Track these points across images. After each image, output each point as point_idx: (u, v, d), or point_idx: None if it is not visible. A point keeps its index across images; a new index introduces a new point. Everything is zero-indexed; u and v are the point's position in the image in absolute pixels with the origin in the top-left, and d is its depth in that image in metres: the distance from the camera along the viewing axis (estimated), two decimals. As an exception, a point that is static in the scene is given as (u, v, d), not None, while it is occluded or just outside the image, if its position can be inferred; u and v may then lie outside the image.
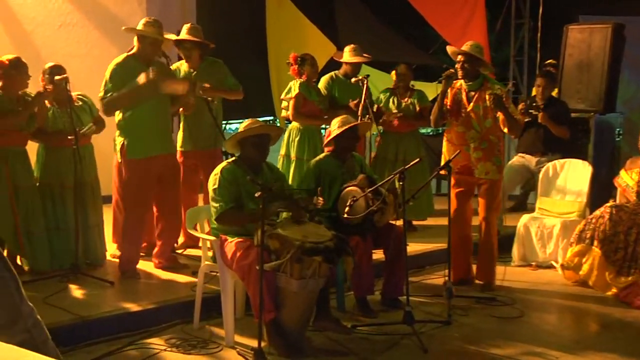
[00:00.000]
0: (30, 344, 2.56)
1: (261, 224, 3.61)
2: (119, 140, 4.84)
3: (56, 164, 4.94)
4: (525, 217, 6.02)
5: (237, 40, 9.11)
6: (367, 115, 5.89)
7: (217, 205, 3.99)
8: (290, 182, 5.80)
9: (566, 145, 6.53)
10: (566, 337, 4.29)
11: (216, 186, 4.01)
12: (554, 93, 7.09)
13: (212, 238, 4.12)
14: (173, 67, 5.52)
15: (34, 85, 4.92)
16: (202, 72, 5.48)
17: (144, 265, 5.09)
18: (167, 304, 4.34)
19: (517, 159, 6.80)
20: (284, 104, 6.31)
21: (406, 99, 6.45)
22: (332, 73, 6.52)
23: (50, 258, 4.88)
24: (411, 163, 4.34)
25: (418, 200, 4.85)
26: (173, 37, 5.45)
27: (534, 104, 6.60)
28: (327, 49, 8.02)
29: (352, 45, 6.47)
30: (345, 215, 4.27)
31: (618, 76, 7.14)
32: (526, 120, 6.27)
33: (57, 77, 4.77)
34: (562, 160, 6.23)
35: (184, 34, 5.48)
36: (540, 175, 6.25)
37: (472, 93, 5.04)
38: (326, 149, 4.84)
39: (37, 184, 4.92)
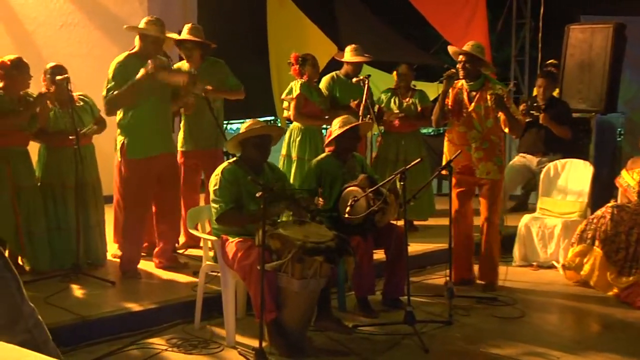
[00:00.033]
0: (31, 344, 2.56)
1: (262, 224, 3.61)
2: (119, 140, 4.84)
3: (57, 164, 4.94)
4: (526, 217, 6.02)
5: (238, 40, 9.11)
6: (368, 116, 5.89)
7: (217, 205, 3.99)
8: (291, 182, 5.80)
9: (567, 146, 6.53)
10: (567, 338, 4.29)
11: (217, 187, 4.01)
12: (555, 93, 7.08)
13: (214, 238, 4.12)
14: (174, 67, 5.52)
15: (36, 86, 4.92)
16: (203, 72, 5.47)
17: (145, 265, 5.09)
18: (168, 304, 4.34)
19: (518, 159, 6.80)
20: (285, 104, 6.31)
21: (407, 99, 6.45)
22: (333, 73, 6.52)
23: (50, 258, 4.88)
24: (412, 163, 4.34)
25: (419, 201, 4.85)
26: (175, 36, 5.44)
27: (535, 104, 6.60)
28: (328, 49, 8.02)
29: (353, 45, 6.47)
30: (346, 215, 4.27)
31: (619, 76, 7.14)
32: (527, 120, 6.27)
33: (58, 77, 4.77)
34: (563, 160, 6.22)
35: (185, 34, 5.48)
36: (542, 176, 6.24)
37: (474, 93, 5.04)
38: (327, 149, 4.84)
39: (39, 184, 4.92)
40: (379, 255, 4.67)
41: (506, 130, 5.07)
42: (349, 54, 6.43)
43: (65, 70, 4.91)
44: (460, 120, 5.08)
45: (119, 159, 4.93)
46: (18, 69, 4.70)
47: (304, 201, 4.24)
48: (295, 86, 6.08)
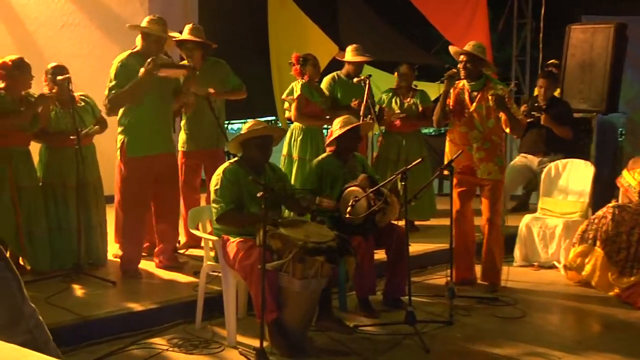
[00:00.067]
0: (31, 345, 2.55)
1: (263, 224, 3.61)
2: (119, 138, 4.85)
3: (58, 164, 4.94)
4: (527, 217, 6.01)
5: (238, 40, 9.11)
6: (369, 116, 5.89)
7: (217, 206, 3.99)
8: (292, 182, 5.80)
9: (568, 146, 6.52)
10: (568, 338, 4.28)
11: (218, 187, 4.02)
12: (557, 93, 7.08)
13: (215, 238, 4.13)
14: (183, 62, 5.50)
15: (37, 86, 4.92)
16: (204, 72, 5.47)
17: (146, 265, 5.10)
18: (169, 304, 4.35)
19: (520, 159, 6.80)
20: (286, 104, 6.31)
21: (408, 99, 6.45)
22: (335, 73, 6.52)
23: (50, 259, 4.88)
24: (413, 163, 4.34)
25: (420, 201, 4.85)
26: (177, 35, 5.45)
27: (536, 104, 6.60)
28: (329, 49, 8.02)
29: (354, 45, 6.47)
30: (347, 216, 4.27)
31: (620, 76, 7.13)
32: (528, 120, 6.26)
33: (59, 77, 4.77)
34: (564, 161, 6.22)
35: (185, 34, 5.48)
36: (543, 176, 6.24)
37: (475, 93, 5.03)
38: (328, 149, 4.84)
39: (40, 184, 4.92)
40: (380, 255, 4.67)
41: (507, 130, 5.07)
42: (350, 54, 6.43)
43: (66, 70, 4.91)
44: (462, 120, 5.08)
45: (119, 158, 4.93)
46: (20, 69, 4.70)
47: (305, 201, 4.24)
48: (296, 87, 6.08)
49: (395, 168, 5.53)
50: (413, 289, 4.26)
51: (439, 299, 4.75)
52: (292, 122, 6.32)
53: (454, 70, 5.04)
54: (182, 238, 5.61)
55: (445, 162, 4.97)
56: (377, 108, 6.25)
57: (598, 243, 5.16)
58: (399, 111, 6.39)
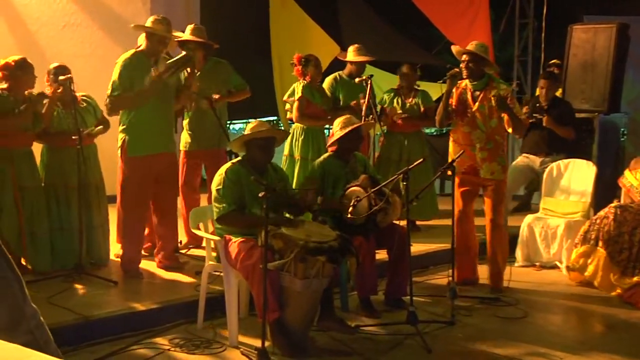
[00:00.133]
0: (33, 346, 2.55)
1: (265, 224, 3.61)
2: (120, 137, 4.85)
3: (60, 164, 4.94)
4: (529, 218, 6.01)
5: (240, 41, 9.11)
6: (371, 116, 5.89)
7: (219, 206, 3.99)
8: (294, 182, 5.81)
9: (570, 146, 6.52)
10: (570, 338, 4.28)
11: (220, 187, 4.02)
12: (558, 93, 7.08)
13: (216, 238, 4.13)
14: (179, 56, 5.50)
15: (40, 86, 4.92)
16: (206, 72, 5.48)
17: (148, 265, 5.10)
18: (170, 303, 4.35)
19: (522, 159, 6.80)
20: (287, 105, 6.31)
21: (410, 99, 6.44)
22: (336, 73, 6.52)
23: (51, 259, 4.88)
24: (415, 163, 4.34)
25: (422, 201, 4.85)
26: (180, 35, 5.45)
27: (538, 105, 6.59)
28: (330, 49, 8.02)
29: (356, 45, 6.47)
30: (349, 215, 4.27)
31: (622, 76, 7.12)
32: (530, 121, 6.26)
33: (61, 77, 4.77)
34: (566, 161, 6.22)
35: (187, 35, 5.48)
36: (545, 176, 6.23)
37: (478, 93, 5.03)
38: (330, 149, 4.84)
39: (42, 185, 4.92)
40: (382, 255, 4.67)
41: (509, 130, 5.06)
42: (352, 54, 6.43)
43: (68, 70, 4.92)
44: (464, 120, 5.07)
45: (120, 157, 4.93)
46: (22, 70, 4.71)
47: (305, 202, 4.23)
48: (298, 88, 6.08)
49: (397, 168, 5.52)
50: (415, 289, 4.26)
51: (440, 299, 4.74)
52: (293, 123, 6.33)
53: (456, 69, 5.04)
54: (183, 238, 5.61)
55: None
56: (378, 108, 6.25)
57: (600, 243, 5.16)
58: (400, 111, 6.39)
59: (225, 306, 3.99)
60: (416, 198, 4.33)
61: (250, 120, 4.25)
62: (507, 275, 5.18)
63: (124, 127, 4.83)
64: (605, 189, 6.52)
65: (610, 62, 6.88)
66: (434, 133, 11.43)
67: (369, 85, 5.92)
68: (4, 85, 4.69)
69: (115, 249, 5.31)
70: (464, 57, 5.02)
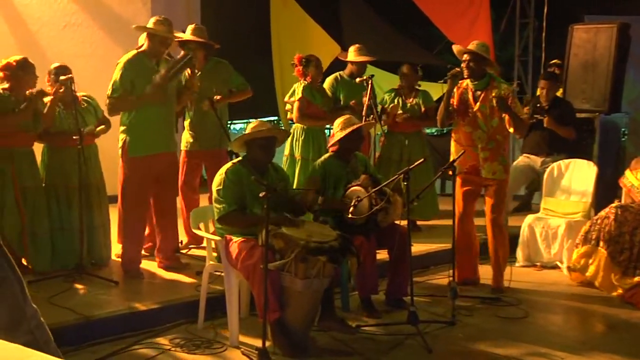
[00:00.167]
0: (33, 346, 2.56)
1: (266, 224, 3.61)
2: (121, 138, 4.85)
3: (60, 164, 4.94)
4: (529, 218, 6.00)
5: (241, 41, 9.12)
6: (372, 115, 5.89)
7: (220, 206, 3.99)
8: (295, 182, 5.81)
9: (571, 146, 6.51)
10: (571, 338, 4.27)
11: (220, 187, 4.01)
12: (559, 93, 7.07)
13: (217, 238, 4.13)
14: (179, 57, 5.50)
15: (41, 86, 4.92)
16: (207, 72, 5.48)
17: (148, 265, 5.10)
18: (171, 303, 4.35)
19: (522, 159, 6.79)
20: (288, 106, 6.31)
21: (411, 99, 6.44)
22: (337, 74, 6.52)
23: (51, 259, 4.88)
24: (416, 163, 4.34)
25: (422, 201, 4.85)
26: (180, 35, 5.45)
27: (538, 105, 6.59)
28: (331, 49, 8.02)
29: (357, 45, 6.47)
30: (350, 215, 4.27)
31: (623, 76, 7.12)
32: (531, 121, 6.25)
33: (62, 77, 4.78)
34: (567, 161, 6.21)
35: (188, 35, 5.48)
36: (545, 176, 6.23)
37: (479, 92, 5.02)
38: (330, 149, 4.84)
39: (43, 185, 4.92)
40: (382, 255, 4.67)
41: (511, 130, 5.05)
42: (352, 54, 6.43)
43: (69, 70, 4.92)
44: (466, 120, 5.07)
45: (121, 157, 4.93)
46: (24, 70, 4.71)
47: (306, 203, 4.23)
48: (298, 89, 6.08)
49: (398, 168, 5.52)
50: (415, 289, 4.25)
51: (441, 299, 4.74)
52: (294, 123, 6.33)
53: (457, 69, 5.03)
54: (184, 238, 5.61)
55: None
56: (379, 108, 6.25)
57: (601, 243, 5.15)
58: (401, 111, 6.38)
59: (226, 306, 3.99)
60: (417, 198, 4.33)
61: (251, 120, 4.24)
62: (508, 276, 5.17)
63: (125, 127, 4.84)
64: (606, 189, 6.51)
65: (611, 62, 6.87)
66: (435, 133, 11.43)
67: (369, 85, 5.92)
68: (6, 85, 4.70)
69: (116, 249, 5.32)
70: (465, 56, 5.01)
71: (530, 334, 4.27)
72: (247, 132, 4.15)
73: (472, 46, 5.01)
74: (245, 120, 10.91)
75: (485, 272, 5.28)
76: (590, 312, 4.89)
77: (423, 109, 6.38)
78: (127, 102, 4.74)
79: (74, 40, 7.96)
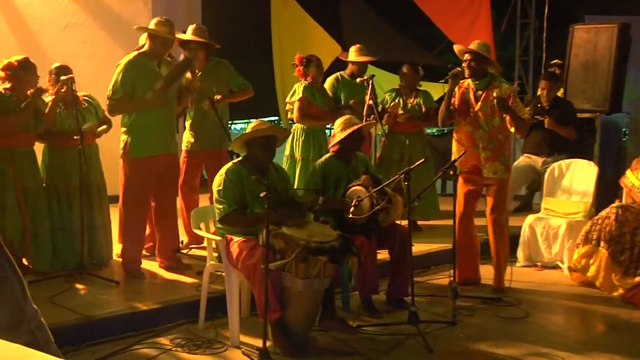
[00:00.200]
0: (33, 346, 2.56)
1: (266, 224, 3.61)
2: (123, 139, 4.86)
3: (61, 164, 4.95)
4: (530, 218, 6.00)
5: (242, 41, 9.12)
6: (372, 116, 5.89)
7: (220, 207, 3.99)
8: (296, 182, 5.81)
9: (572, 146, 6.51)
10: (572, 338, 4.27)
11: (220, 187, 4.01)
12: (560, 93, 7.07)
13: (218, 238, 4.13)
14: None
15: (42, 86, 4.93)
16: (207, 72, 5.49)
17: (149, 265, 5.10)
18: (172, 303, 4.35)
19: (523, 159, 6.79)
20: (288, 106, 6.31)
21: (412, 99, 6.43)
22: (338, 74, 6.52)
23: (52, 259, 4.88)
24: (416, 163, 4.34)
25: (423, 201, 4.85)
26: (183, 36, 5.46)
27: (539, 105, 6.59)
28: (332, 49, 8.01)
29: (358, 45, 6.47)
30: (350, 215, 4.27)
31: (624, 76, 7.12)
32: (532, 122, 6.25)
33: (62, 77, 4.78)
34: (567, 161, 6.21)
35: (189, 35, 5.48)
36: (546, 176, 6.22)
37: (480, 92, 5.02)
38: (331, 150, 4.84)
39: (43, 185, 4.93)
40: (383, 255, 4.67)
41: (512, 129, 5.05)
42: (353, 54, 6.43)
43: (70, 70, 4.93)
44: (467, 119, 5.06)
45: (122, 159, 4.93)
46: (25, 70, 4.71)
47: (305, 205, 4.23)
48: (299, 89, 6.08)
49: (399, 168, 5.52)
50: (416, 289, 4.25)
51: (442, 299, 4.74)
52: (294, 123, 6.33)
53: (459, 68, 5.03)
54: (185, 238, 5.61)
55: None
56: (379, 108, 6.25)
57: (602, 243, 5.15)
58: (402, 111, 6.38)
59: (227, 306, 3.99)
60: (418, 198, 4.33)
61: (251, 120, 4.24)
62: (509, 276, 5.17)
63: (126, 128, 4.84)
64: (607, 189, 6.51)
65: (612, 62, 6.87)
66: (435, 133, 11.43)
67: (370, 85, 5.92)
68: (7, 85, 4.70)
69: (117, 249, 5.32)
70: (466, 56, 5.01)
71: (531, 334, 4.27)
72: (247, 131, 4.15)
73: (473, 46, 5.01)
74: (246, 120, 10.91)
75: (486, 272, 5.29)
76: (591, 312, 4.89)
77: (424, 109, 6.38)
78: (127, 104, 4.77)
79: (74, 40, 7.96)
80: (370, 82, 5.94)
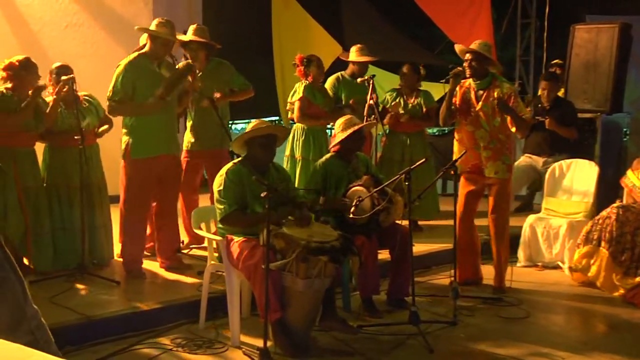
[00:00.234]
0: (33, 346, 2.56)
1: (267, 224, 3.61)
2: (124, 140, 4.86)
3: (62, 164, 4.95)
4: (531, 218, 6.00)
5: (242, 41, 9.13)
6: (373, 115, 5.89)
7: (221, 207, 3.99)
8: (296, 182, 5.80)
9: (573, 146, 6.51)
10: (573, 338, 4.27)
11: (221, 188, 4.01)
12: (561, 93, 7.07)
13: (218, 238, 4.13)
14: (178, 66, 5.52)
15: (42, 87, 4.94)
16: (208, 73, 5.49)
17: (150, 265, 5.10)
18: (173, 303, 4.35)
19: (524, 159, 6.79)
20: (289, 106, 6.31)
21: (412, 100, 6.43)
22: (339, 74, 6.52)
23: (53, 259, 4.88)
24: (417, 163, 4.33)
25: (424, 201, 4.85)
26: (184, 37, 5.46)
27: (540, 106, 6.58)
28: (332, 49, 8.01)
29: (358, 45, 6.47)
30: (351, 215, 4.27)
31: (625, 76, 7.12)
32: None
33: (63, 77, 4.78)
34: (568, 161, 6.20)
35: (190, 35, 5.49)
36: (547, 176, 6.22)
37: (481, 92, 5.02)
38: (332, 150, 4.84)
39: (44, 185, 4.93)
40: (384, 255, 4.67)
41: (513, 129, 5.05)
42: (354, 54, 6.43)
43: (70, 70, 4.93)
44: (468, 119, 5.06)
45: (123, 159, 4.93)
46: (26, 69, 4.71)
47: (306, 206, 4.23)
48: (299, 88, 6.08)
49: (400, 168, 5.51)
50: (417, 289, 4.26)
51: (442, 299, 4.74)
52: (295, 122, 6.33)
53: (460, 68, 5.03)
54: (186, 238, 5.61)
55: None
56: (380, 108, 6.25)
57: (603, 244, 5.15)
58: (402, 111, 6.38)
59: (227, 306, 3.99)
60: (418, 198, 4.33)
61: (252, 120, 4.24)
62: (509, 276, 5.16)
63: (127, 130, 4.85)
64: (608, 189, 6.50)
65: (613, 62, 6.87)
66: (436, 133, 11.42)
67: (370, 85, 5.92)
68: (9, 85, 4.70)
69: (117, 249, 5.32)
70: (467, 56, 5.00)
71: (531, 334, 4.27)
72: (246, 131, 4.15)
73: (474, 45, 5.00)
74: (246, 120, 10.91)
75: (486, 272, 5.28)
76: (591, 312, 4.89)
77: (424, 109, 6.37)
78: (127, 107, 4.79)
79: (75, 40, 7.96)
80: (371, 82, 5.94)
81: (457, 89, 5.07)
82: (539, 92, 6.85)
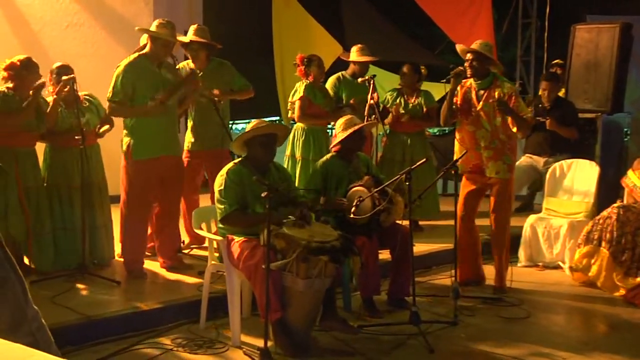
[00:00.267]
0: (34, 347, 2.56)
1: (267, 224, 3.61)
2: (125, 141, 4.86)
3: (63, 164, 4.95)
4: (532, 218, 6.00)
5: (243, 41, 9.13)
6: (373, 115, 5.89)
7: (222, 207, 3.99)
8: (296, 182, 5.80)
9: (573, 146, 6.51)
10: (574, 338, 4.27)
11: (222, 188, 4.01)
12: (561, 93, 7.06)
13: (219, 238, 4.13)
14: (179, 66, 5.52)
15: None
16: (209, 73, 5.49)
17: (151, 265, 5.10)
18: (173, 303, 4.35)
19: (525, 159, 6.78)
20: (290, 106, 6.31)
21: (413, 99, 6.43)
22: (339, 74, 6.52)
23: (54, 259, 4.89)
24: (418, 163, 4.33)
25: (424, 201, 4.84)
26: (184, 38, 5.46)
27: (540, 106, 6.58)
28: (333, 49, 8.02)
29: (359, 45, 6.47)
30: (352, 215, 4.27)
31: (626, 76, 7.12)
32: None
33: (64, 77, 4.78)
34: (569, 161, 6.20)
35: (190, 35, 5.49)
36: (547, 176, 6.22)
37: (482, 92, 5.01)
38: (333, 150, 4.84)
39: (45, 185, 4.93)
40: (384, 255, 4.67)
41: (514, 129, 5.04)
42: (355, 54, 6.43)
43: (71, 70, 4.92)
44: (469, 119, 5.06)
45: (125, 160, 4.94)
46: (28, 69, 4.72)
47: (306, 206, 4.23)
48: (300, 88, 6.08)
49: (401, 168, 5.50)
50: (417, 289, 4.26)
51: (443, 299, 4.74)
52: (295, 122, 6.33)
53: (460, 68, 5.02)
54: (186, 238, 5.61)
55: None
56: (381, 108, 6.25)
57: (603, 244, 5.15)
58: (403, 112, 6.37)
59: (228, 306, 3.99)
60: (419, 198, 4.32)
61: (252, 120, 4.24)
62: (510, 276, 5.16)
63: (128, 130, 4.85)
64: (608, 189, 6.50)
65: (614, 62, 6.87)
66: (437, 133, 11.42)
67: (371, 85, 5.91)
68: (10, 85, 4.70)
69: (118, 249, 5.32)
70: (468, 55, 5.00)
71: (532, 334, 4.27)
72: (246, 131, 4.15)
73: (475, 45, 5.00)
74: (247, 120, 10.91)
75: (487, 272, 5.28)
76: (592, 312, 4.89)
77: (425, 109, 6.37)
78: (127, 109, 4.80)
79: (76, 40, 7.97)
80: (372, 82, 5.94)
81: (458, 88, 5.07)
82: (540, 92, 6.85)
